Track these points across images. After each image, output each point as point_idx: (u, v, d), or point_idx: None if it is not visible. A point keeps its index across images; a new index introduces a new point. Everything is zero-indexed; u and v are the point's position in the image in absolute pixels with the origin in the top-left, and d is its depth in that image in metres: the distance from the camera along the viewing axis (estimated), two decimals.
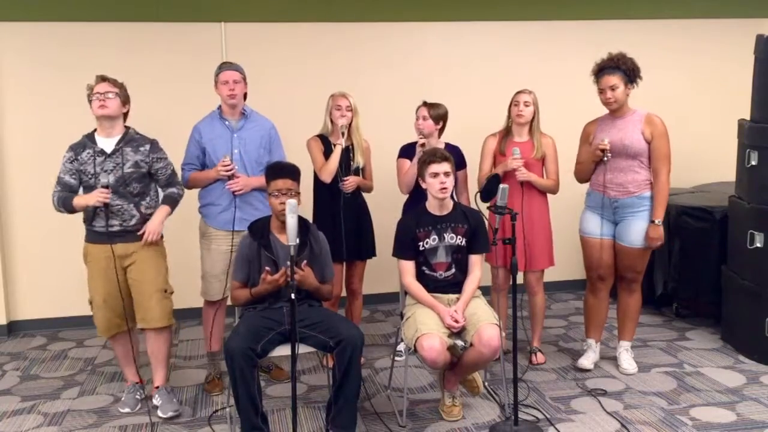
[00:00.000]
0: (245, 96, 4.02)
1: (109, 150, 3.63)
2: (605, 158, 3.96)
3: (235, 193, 3.91)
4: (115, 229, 3.63)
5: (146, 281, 3.69)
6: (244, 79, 3.98)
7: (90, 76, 3.70)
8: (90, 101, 3.64)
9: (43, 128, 5.12)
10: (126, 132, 3.70)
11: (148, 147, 3.71)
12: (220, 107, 4.02)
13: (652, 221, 3.98)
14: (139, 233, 3.65)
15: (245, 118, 4.02)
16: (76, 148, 3.66)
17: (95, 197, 3.54)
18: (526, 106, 4.19)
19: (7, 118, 5.11)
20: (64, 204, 3.64)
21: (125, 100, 3.70)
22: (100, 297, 3.69)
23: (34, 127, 5.13)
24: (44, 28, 5.08)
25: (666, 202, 4.00)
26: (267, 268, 3.36)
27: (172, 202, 3.78)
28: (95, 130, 3.70)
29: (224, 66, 4.02)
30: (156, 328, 3.74)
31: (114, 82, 3.66)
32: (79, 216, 3.72)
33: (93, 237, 3.69)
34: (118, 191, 3.61)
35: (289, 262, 3.11)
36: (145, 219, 3.69)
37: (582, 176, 4.21)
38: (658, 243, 4.01)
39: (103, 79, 3.66)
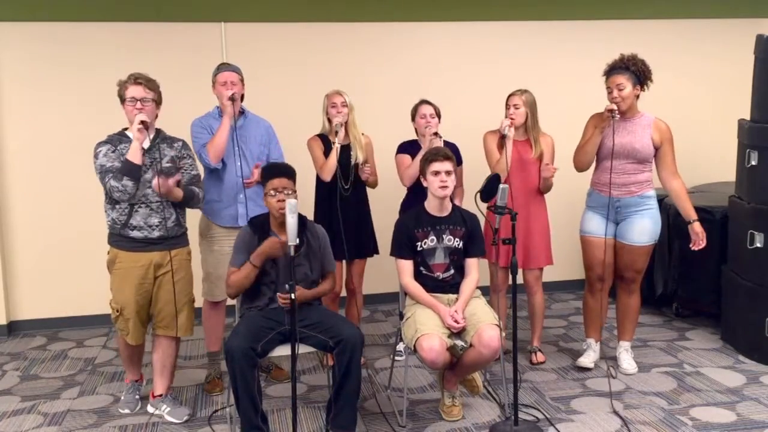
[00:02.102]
0: (242, 97, 4.02)
1: (146, 146, 3.56)
2: (615, 117, 3.85)
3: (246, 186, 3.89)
4: (155, 234, 3.57)
5: (177, 291, 3.64)
6: (242, 80, 3.99)
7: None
8: (123, 100, 3.55)
9: (43, 128, 5.13)
10: (159, 131, 3.68)
11: (180, 143, 3.71)
12: (218, 108, 4.02)
13: (692, 221, 3.95)
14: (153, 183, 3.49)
15: (244, 117, 4.05)
16: (112, 141, 3.57)
17: (135, 125, 3.42)
18: (516, 108, 4.18)
19: (7, 117, 5.11)
20: (126, 171, 3.42)
21: (159, 101, 3.64)
22: (132, 308, 3.61)
23: (34, 126, 5.13)
24: (44, 28, 5.07)
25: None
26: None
27: (189, 191, 3.66)
28: (125, 129, 3.64)
29: (222, 67, 4.02)
30: (175, 337, 3.72)
31: (148, 86, 3.56)
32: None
33: (128, 244, 3.56)
34: None
35: (289, 261, 3.11)
36: (179, 220, 3.68)
37: (584, 157, 4.05)
38: (704, 243, 3.97)
39: (137, 82, 3.54)
